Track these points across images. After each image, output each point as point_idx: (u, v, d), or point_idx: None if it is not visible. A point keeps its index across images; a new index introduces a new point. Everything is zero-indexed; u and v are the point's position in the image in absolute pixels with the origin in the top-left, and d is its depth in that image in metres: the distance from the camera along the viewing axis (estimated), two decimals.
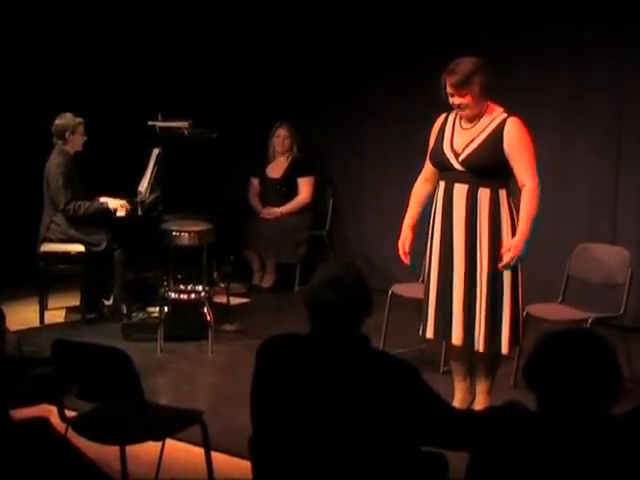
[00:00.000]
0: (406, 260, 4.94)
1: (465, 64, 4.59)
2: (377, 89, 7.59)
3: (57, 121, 6.63)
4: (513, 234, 4.68)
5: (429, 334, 4.86)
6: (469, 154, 4.65)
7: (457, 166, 4.68)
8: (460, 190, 4.67)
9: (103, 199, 6.68)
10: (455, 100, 4.61)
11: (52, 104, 6.79)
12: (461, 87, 4.57)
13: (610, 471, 2.32)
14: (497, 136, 4.62)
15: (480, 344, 4.71)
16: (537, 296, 5.58)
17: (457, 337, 4.76)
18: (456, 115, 4.76)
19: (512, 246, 4.61)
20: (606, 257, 5.67)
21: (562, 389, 2.37)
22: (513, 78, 6.79)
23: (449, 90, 4.60)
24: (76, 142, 6.66)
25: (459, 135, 4.70)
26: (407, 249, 4.91)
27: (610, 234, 6.61)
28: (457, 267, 4.71)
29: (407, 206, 5.00)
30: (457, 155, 4.67)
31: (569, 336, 2.45)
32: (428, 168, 4.89)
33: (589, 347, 2.41)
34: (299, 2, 7.72)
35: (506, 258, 4.60)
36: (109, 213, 6.63)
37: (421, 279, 5.10)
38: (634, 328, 5.82)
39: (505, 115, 4.66)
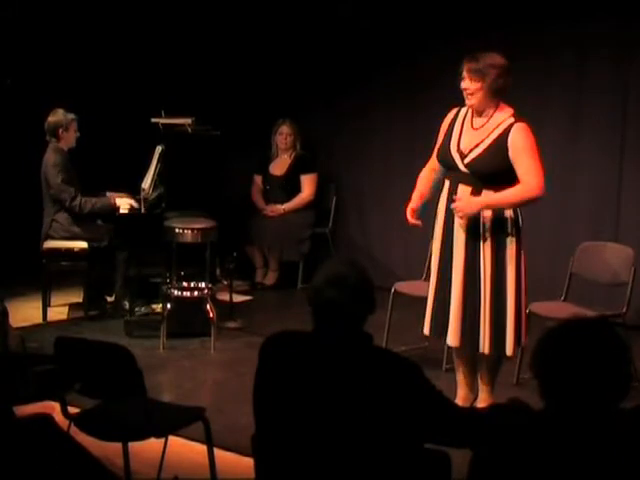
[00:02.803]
0: (416, 222, 4.86)
1: (489, 56, 4.60)
2: (381, 86, 7.59)
3: (50, 118, 6.62)
4: (517, 239, 4.66)
5: (425, 330, 4.87)
6: (474, 158, 4.62)
7: (462, 167, 4.65)
8: (463, 191, 4.64)
9: (109, 194, 6.68)
10: (464, 84, 4.60)
11: (56, 102, 6.79)
12: (474, 73, 4.56)
13: (614, 468, 2.32)
14: (502, 142, 4.57)
15: (485, 346, 4.69)
16: (540, 294, 5.59)
17: (453, 339, 4.74)
18: (467, 112, 4.73)
19: (463, 201, 4.58)
20: (609, 255, 5.67)
21: (569, 380, 2.36)
22: (517, 77, 6.77)
23: (464, 73, 4.60)
24: (69, 138, 6.65)
25: (467, 135, 4.68)
26: (416, 215, 4.84)
27: (613, 232, 6.61)
28: (456, 270, 4.69)
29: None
30: (463, 156, 4.65)
31: (580, 327, 2.43)
32: (435, 160, 4.88)
33: (601, 338, 2.39)
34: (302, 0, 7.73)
35: (457, 204, 4.59)
36: (113, 210, 6.64)
37: (424, 277, 5.10)
38: (637, 326, 5.81)
39: (512, 120, 4.60)
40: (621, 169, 6.69)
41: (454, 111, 4.81)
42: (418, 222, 4.87)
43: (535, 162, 4.59)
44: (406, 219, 4.93)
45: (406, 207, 4.93)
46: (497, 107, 4.65)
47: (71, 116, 6.63)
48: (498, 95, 4.62)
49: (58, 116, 6.61)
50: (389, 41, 7.50)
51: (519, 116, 4.63)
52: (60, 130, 6.59)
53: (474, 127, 4.68)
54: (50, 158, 6.58)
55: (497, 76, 4.57)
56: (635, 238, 6.22)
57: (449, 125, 4.78)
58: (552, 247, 6.73)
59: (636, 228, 6.52)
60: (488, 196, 4.58)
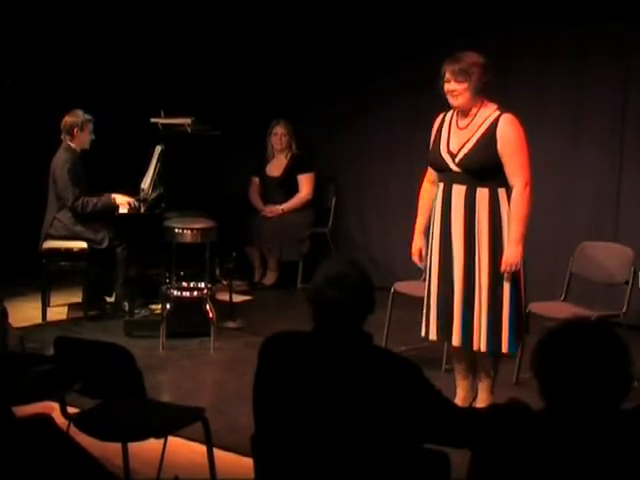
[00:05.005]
0: (421, 264, 4.94)
1: (468, 55, 4.62)
2: (380, 86, 7.59)
3: (67, 117, 6.67)
4: None
5: (432, 335, 4.84)
6: (464, 155, 4.63)
7: (454, 167, 4.66)
8: (458, 191, 4.65)
9: (112, 195, 6.69)
10: (450, 86, 4.61)
11: (56, 102, 6.80)
12: (459, 74, 4.57)
13: (615, 468, 2.32)
14: (491, 135, 4.59)
15: (482, 344, 4.70)
16: (539, 294, 5.59)
17: (456, 338, 4.74)
18: (452, 114, 4.74)
19: (508, 257, 4.60)
20: (609, 255, 5.67)
21: (570, 381, 2.36)
22: (516, 76, 6.79)
23: (448, 76, 4.61)
24: (83, 139, 6.68)
25: (455, 135, 4.69)
26: (423, 255, 4.90)
27: (613, 232, 6.61)
28: (456, 268, 4.69)
29: (410, 205, 4.98)
30: (453, 156, 4.66)
31: (581, 328, 2.43)
32: (431, 170, 4.88)
33: (602, 339, 2.39)
34: (300, 0, 7.73)
35: (504, 268, 4.61)
36: (114, 207, 6.65)
37: (423, 277, 5.10)
38: (637, 326, 5.80)
39: (498, 113, 4.63)
40: (621, 169, 6.69)
41: (440, 117, 4.82)
42: (422, 263, 4.90)
43: (521, 157, 4.60)
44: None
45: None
46: (481, 104, 4.66)
47: (88, 117, 6.69)
48: (482, 93, 4.64)
49: (76, 116, 6.66)
50: (389, 41, 7.49)
51: (505, 109, 4.64)
52: (75, 129, 6.64)
53: (460, 127, 4.70)
54: (61, 157, 6.63)
55: (481, 74, 4.59)
56: (635, 238, 6.22)
57: (437, 129, 4.79)
58: (552, 247, 6.72)
59: (636, 228, 6.51)
60: (511, 235, 4.60)
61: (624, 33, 6.53)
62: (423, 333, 4.89)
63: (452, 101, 4.66)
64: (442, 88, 4.67)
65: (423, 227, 4.91)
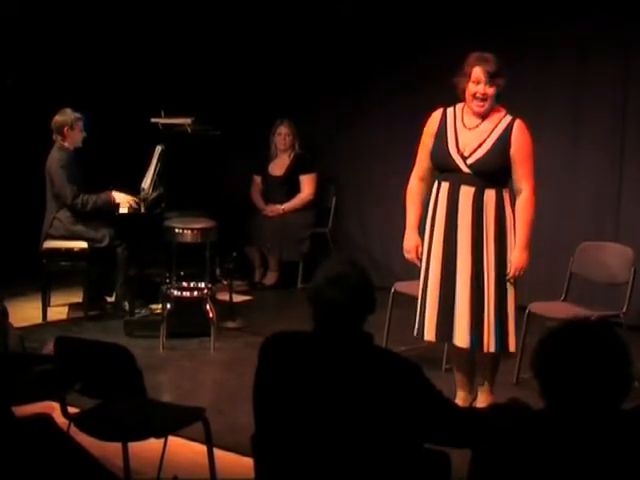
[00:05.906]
0: (417, 262, 4.88)
1: (493, 57, 4.56)
2: (380, 85, 7.60)
3: (56, 117, 6.67)
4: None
5: (428, 336, 4.80)
6: (478, 158, 4.59)
7: (464, 168, 4.62)
8: (466, 192, 4.62)
9: (112, 193, 6.69)
10: (480, 89, 4.53)
11: (56, 102, 6.80)
12: (494, 77, 4.52)
13: (615, 468, 2.32)
14: (505, 140, 4.58)
15: (491, 345, 4.69)
16: (539, 294, 5.59)
17: (462, 340, 4.71)
18: (455, 112, 4.70)
19: (517, 261, 4.61)
20: (609, 255, 5.67)
21: (570, 381, 2.36)
22: (517, 76, 6.77)
23: (481, 78, 4.52)
24: (75, 138, 6.69)
25: (464, 136, 4.64)
26: (419, 254, 4.83)
27: (613, 232, 6.61)
28: (462, 269, 4.66)
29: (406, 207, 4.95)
30: (464, 157, 4.62)
31: (582, 328, 2.43)
32: (422, 167, 4.81)
33: (602, 339, 2.39)
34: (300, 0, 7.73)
35: (513, 273, 4.63)
36: (114, 208, 6.64)
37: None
38: (637, 326, 5.81)
39: (510, 117, 4.61)
40: (621, 169, 6.69)
41: (439, 112, 4.74)
42: (418, 261, 4.86)
43: (531, 163, 4.62)
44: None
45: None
46: (492, 107, 4.63)
47: (77, 115, 6.68)
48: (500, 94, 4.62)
49: (65, 115, 6.66)
50: (389, 41, 7.49)
51: (514, 113, 4.64)
52: (66, 129, 6.64)
53: (468, 127, 4.65)
54: (55, 156, 6.63)
55: (504, 79, 4.57)
56: (635, 238, 6.22)
57: (439, 127, 4.71)
58: (552, 247, 6.72)
59: (636, 228, 6.51)
60: (518, 239, 4.63)
61: (624, 33, 6.53)
62: (416, 333, 4.86)
63: (478, 105, 4.59)
64: (461, 88, 4.60)
65: (416, 224, 4.86)
